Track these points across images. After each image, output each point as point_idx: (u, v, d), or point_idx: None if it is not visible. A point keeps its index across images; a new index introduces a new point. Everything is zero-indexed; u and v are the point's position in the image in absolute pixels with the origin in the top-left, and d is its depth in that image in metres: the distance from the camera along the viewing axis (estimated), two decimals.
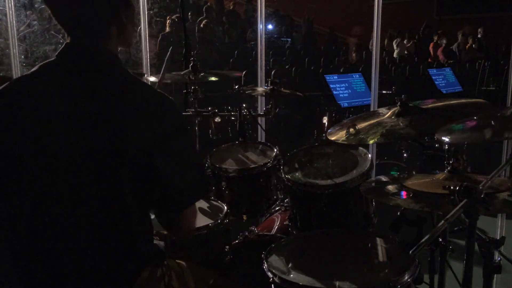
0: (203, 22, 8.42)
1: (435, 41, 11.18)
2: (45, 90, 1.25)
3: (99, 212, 1.23)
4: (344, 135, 1.71)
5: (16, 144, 1.24)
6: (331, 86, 5.66)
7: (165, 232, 1.70)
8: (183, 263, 1.58)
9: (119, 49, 1.36)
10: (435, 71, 7.64)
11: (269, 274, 1.47)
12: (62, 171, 1.21)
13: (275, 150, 2.30)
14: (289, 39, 11.18)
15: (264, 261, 1.53)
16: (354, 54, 10.58)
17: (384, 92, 5.69)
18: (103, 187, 1.22)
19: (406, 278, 1.38)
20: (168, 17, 7.58)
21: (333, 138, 1.75)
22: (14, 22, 3.02)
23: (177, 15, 7.05)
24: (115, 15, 1.28)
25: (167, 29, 7.57)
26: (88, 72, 1.25)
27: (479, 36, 11.10)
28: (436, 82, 7.29)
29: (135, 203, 1.27)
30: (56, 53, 1.28)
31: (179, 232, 1.42)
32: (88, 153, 1.21)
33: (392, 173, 4.56)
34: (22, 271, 1.29)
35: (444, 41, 10.74)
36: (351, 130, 1.70)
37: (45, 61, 1.29)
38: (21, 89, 1.28)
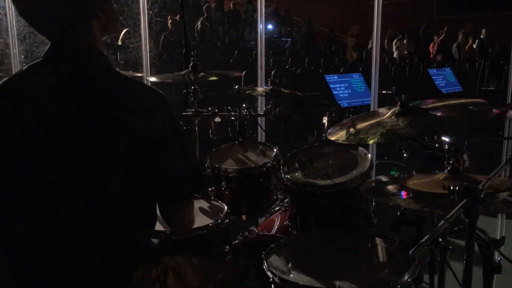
0: (199, 22, 8.44)
1: (435, 41, 11.18)
2: (33, 91, 1.24)
3: (94, 209, 1.23)
4: (344, 135, 1.71)
5: (8, 146, 1.24)
6: (331, 86, 5.65)
7: (163, 231, 1.71)
8: (192, 259, 1.57)
9: (118, 44, 1.34)
10: (435, 71, 7.63)
11: (269, 274, 1.47)
12: (54, 170, 1.21)
13: (275, 150, 2.29)
14: (289, 39, 11.19)
15: (264, 261, 1.53)
16: (354, 54, 10.58)
17: (384, 92, 5.69)
18: (96, 184, 1.21)
19: (406, 278, 1.38)
20: (169, 17, 7.59)
21: (333, 138, 1.75)
22: (14, 22, 3.01)
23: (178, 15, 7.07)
24: (91, 11, 1.26)
25: (169, 28, 7.60)
26: (76, 71, 1.24)
27: (481, 36, 11.09)
28: (436, 82, 7.29)
29: (131, 200, 1.26)
30: (43, 54, 1.27)
31: (178, 229, 1.42)
32: (79, 151, 1.20)
33: (392, 173, 4.56)
34: (16, 269, 1.29)
35: (440, 40, 10.80)
36: (351, 130, 1.70)
37: (33, 62, 1.28)
38: (10, 91, 1.27)
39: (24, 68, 1.29)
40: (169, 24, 7.65)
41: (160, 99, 1.27)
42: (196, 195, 2.21)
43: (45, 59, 1.27)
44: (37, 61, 1.28)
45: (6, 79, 1.30)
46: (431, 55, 11.04)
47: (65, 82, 1.23)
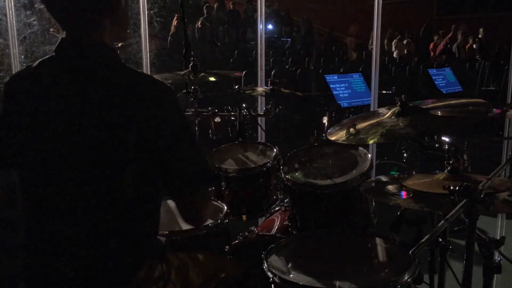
0: (199, 22, 8.44)
1: (435, 41, 11.18)
2: (45, 85, 1.27)
3: (100, 205, 1.24)
4: (344, 135, 1.71)
5: (20, 140, 1.26)
6: (331, 86, 5.65)
7: (166, 232, 1.72)
8: (195, 256, 1.58)
9: (119, 45, 1.37)
10: (435, 71, 7.63)
11: (269, 274, 1.47)
12: (63, 165, 1.23)
13: (275, 150, 2.29)
14: (289, 39, 11.19)
15: (264, 261, 1.53)
16: (354, 54, 10.58)
17: (384, 92, 5.68)
18: (104, 177, 1.23)
19: (406, 278, 1.38)
20: (175, 17, 7.58)
21: (333, 138, 1.75)
22: (14, 22, 3.01)
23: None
24: (107, 8, 1.29)
25: (173, 29, 7.60)
26: (87, 65, 1.26)
27: (479, 36, 11.09)
28: (436, 82, 7.29)
29: (137, 194, 1.27)
30: (54, 49, 1.29)
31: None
32: (89, 143, 1.21)
33: (392, 173, 4.56)
34: (23, 267, 1.31)
35: (441, 40, 10.80)
36: (351, 130, 1.70)
37: (45, 57, 1.31)
38: (22, 85, 1.30)
39: (36, 62, 1.31)
40: (175, 24, 7.64)
41: (169, 92, 1.29)
42: None
43: (57, 53, 1.29)
44: (48, 56, 1.30)
45: (15, 73, 1.33)
46: (432, 55, 11.04)
47: (77, 75, 1.25)
